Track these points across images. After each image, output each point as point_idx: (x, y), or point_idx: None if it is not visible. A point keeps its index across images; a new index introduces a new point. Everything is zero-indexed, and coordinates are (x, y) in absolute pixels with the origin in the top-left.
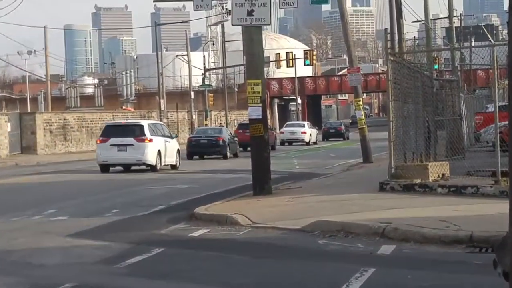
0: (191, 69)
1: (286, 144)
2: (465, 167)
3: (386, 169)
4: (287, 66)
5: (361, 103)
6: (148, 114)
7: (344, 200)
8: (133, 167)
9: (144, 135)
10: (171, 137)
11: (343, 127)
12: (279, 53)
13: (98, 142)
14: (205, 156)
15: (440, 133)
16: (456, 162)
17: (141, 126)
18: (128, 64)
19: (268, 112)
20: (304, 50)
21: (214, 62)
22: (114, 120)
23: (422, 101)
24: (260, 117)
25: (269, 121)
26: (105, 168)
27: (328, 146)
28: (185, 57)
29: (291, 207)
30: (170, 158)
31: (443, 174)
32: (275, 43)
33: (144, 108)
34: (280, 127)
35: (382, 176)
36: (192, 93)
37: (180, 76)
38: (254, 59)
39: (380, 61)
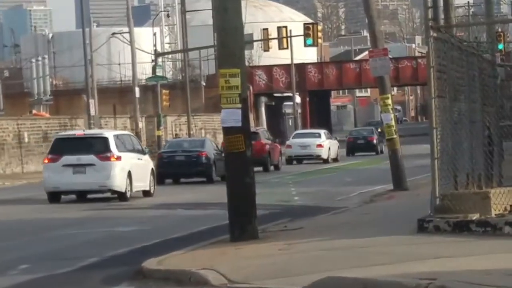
0: (135, 53)
1: (295, 162)
2: None
3: (427, 200)
4: (280, 48)
5: (389, 101)
6: (70, 121)
7: (366, 246)
8: (91, 195)
9: (110, 151)
10: (143, 153)
11: (375, 136)
12: (267, 29)
13: (46, 161)
14: (182, 179)
15: (508, 144)
16: None
17: (105, 139)
18: (40, 47)
19: (251, 116)
20: (304, 24)
21: (170, 43)
22: (19, 131)
23: (481, 98)
24: (240, 124)
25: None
26: (55, 197)
27: (343, 166)
28: (126, 35)
29: (286, 258)
30: (143, 182)
31: None
32: (261, 14)
33: (65, 112)
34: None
35: (422, 210)
36: (137, 89)
37: (119, 64)
38: (229, 37)
39: (418, 39)
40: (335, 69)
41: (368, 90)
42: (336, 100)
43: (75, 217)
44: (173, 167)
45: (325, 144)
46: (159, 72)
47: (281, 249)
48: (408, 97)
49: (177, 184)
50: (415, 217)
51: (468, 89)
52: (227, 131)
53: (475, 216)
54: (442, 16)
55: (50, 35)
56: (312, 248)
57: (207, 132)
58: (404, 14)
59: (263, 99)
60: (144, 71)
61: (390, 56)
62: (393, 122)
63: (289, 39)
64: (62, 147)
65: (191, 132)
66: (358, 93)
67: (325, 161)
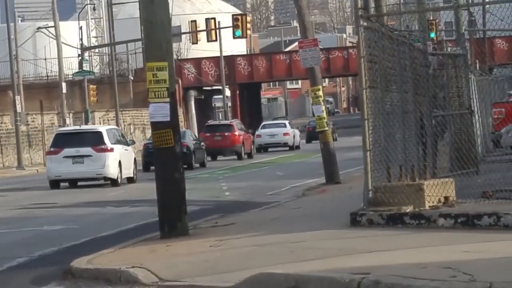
0: (61, 48)
1: (261, 150)
2: (479, 186)
3: (360, 193)
4: (209, 41)
5: (321, 93)
6: None
7: (298, 241)
8: (81, 183)
9: (104, 143)
10: (128, 144)
11: (331, 125)
12: (195, 21)
13: (48, 153)
14: None
15: (441, 135)
16: (465, 178)
17: (100, 133)
18: None
19: (180, 110)
20: (233, 15)
21: (96, 37)
22: None
23: (413, 88)
24: (168, 118)
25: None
26: (56, 184)
27: (274, 160)
28: (52, 29)
29: (218, 254)
30: (128, 170)
31: (446, 198)
32: (189, 5)
33: None
34: (199, 131)
35: (355, 203)
36: (64, 85)
37: (45, 59)
38: (156, 30)
39: (349, 28)
40: (265, 61)
41: (299, 82)
42: (267, 93)
43: (2, 217)
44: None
45: (291, 133)
46: (86, 67)
47: (212, 246)
48: (340, 88)
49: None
50: (348, 210)
51: (400, 79)
52: (156, 126)
53: (408, 209)
54: (372, 5)
55: None
56: (244, 244)
57: (136, 127)
58: (335, 4)
59: (193, 93)
60: (71, 66)
61: (321, 47)
62: (324, 114)
63: (217, 31)
64: (62, 140)
65: (120, 128)
66: (289, 85)
67: (291, 148)
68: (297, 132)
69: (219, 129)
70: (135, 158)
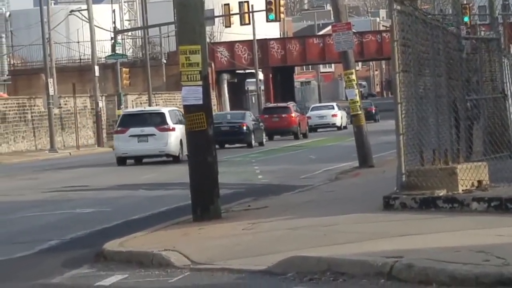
0: (94, 31)
1: (311, 131)
2: None
3: (393, 177)
4: (242, 24)
5: (354, 77)
6: (29, 101)
7: (331, 225)
8: (146, 159)
9: (166, 123)
10: (182, 123)
11: (373, 107)
12: (228, 4)
13: (116, 133)
14: (226, 145)
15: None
16: (499, 162)
17: (163, 114)
18: None
19: (213, 94)
20: None
21: (129, 20)
22: None
23: (446, 72)
24: (201, 102)
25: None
26: (122, 161)
27: (308, 144)
28: (85, 12)
29: (250, 237)
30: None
31: (479, 182)
32: None
33: (24, 92)
34: None
35: (388, 186)
36: (96, 68)
37: (78, 42)
38: (189, 13)
39: (382, 12)
40: (298, 45)
41: (332, 65)
42: (300, 76)
43: (35, 199)
44: (219, 136)
45: (338, 114)
46: (118, 50)
47: (244, 229)
48: (373, 72)
49: (223, 149)
50: (381, 194)
51: (433, 63)
52: (188, 109)
53: (442, 193)
54: None
55: (8, 14)
56: (276, 227)
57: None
58: None
59: (225, 76)
60: (104, 49)
61: (354, 31)
62: (357, 98)
63: (250, 14)
64: (128, 121)
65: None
66: (322, 68)
67: (339, 128)
68: (344, 113)
69: (276, 111)
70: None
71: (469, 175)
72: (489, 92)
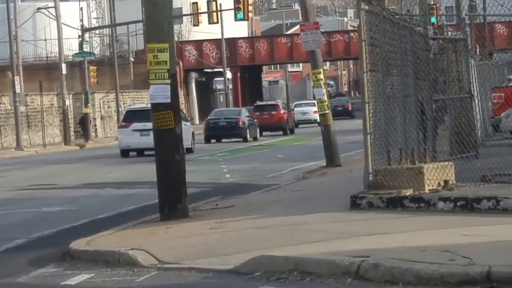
0: (61, 29)
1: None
2: (478, 170)
3: (361, 176)
4: (210, 23)
5: (322, 76)
6: None
7: (298, 224)
8: (148, 152)
9: None
10: (187, 120)
11: (350, 104)
12: (196, 3)
13: (120, 127)
14: (223, 140)
15: (441, 119)
16: (465, 162)
17: None
18: None
19: (181, 92)
20: None
21: (97, 18)
22: None
23: (413, 72)
24: (169, 100)
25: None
26: (126, 153)
27: (274, 143)
28: (52, 10)
29: (218, 236)
30: (187, 141)
31: (446, 181)
32: None
33: None
34: (201, 114)
35: (355, 186)
36: (64, 66)
37: (45, 40)
38: (157, 11)
39: (350, 12)
40: (266, 44)
41: (300, 65)
42: (268, 76)
43: (0, 198)
44: (217, 130)
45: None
46: (86, 48)
47: (212, 228)
48: (341, 71)
49: (220, 143)
50: (348, 193)
51: (400, 62)
52: (156, 107)
53: (408, 192)
54: None
55: None
56: (243, 226)
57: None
58: None
59: (194, 75)
60: (71, 47)
61: (322, 30)
62: (325, 97)
63: (219, 13)
64: (131, 116)
65: (120, 109)
66: (290, 68)
67: (320, 124)
68: None
69: (266, 108)
70: (193, 132)
71: (436, 174)
72: (455, 92)
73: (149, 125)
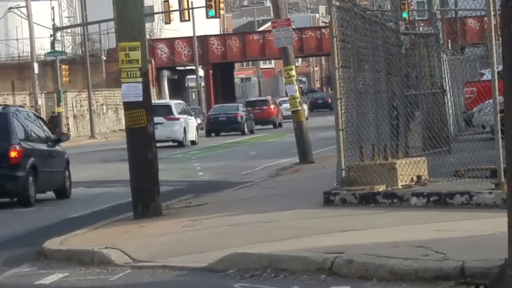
0: (33, 28)
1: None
2: (451, 165)
3: (333, 172)
4: (182, 21)
5: (294, 73)
6: None
7: (272, 221)
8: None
9: (172, 114)
10: (191, 115)
11: (330, 97)
12: (167, 1)
13: None
14: (222, 133)
15: (417, 114)
16: (438, 157)
17: (169, 106)
18: None
19: (153, 90)
20: None
21: (69, 17)
22: None
23: (385, 68)
24: (141, 98)
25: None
26: None
27: (247, 140)
28: (23, 9)
29: (191, 234)
30: (192, 134)
31: (418, 177)
32: None
33: None
34: None
35: (328, 182)
36: (36, 65)
37: (17, 39)
38: (129, 9)
39: (322, 8)
40: (238, 41)
41: (273, 61)
42: (240, 73)
43: None
44: (217, 125)
45: (304, 107)
46: (58, 47)
47: (185, 226)
48: (313, 68)
49: (219, 136)
50: (321, 190)
51: (372, 58)
52: (128, 106)
53: (381, 188)
54: None
55: None
56: (217, 224)
57: (109, 107)
58: None
59: (166, 73)
60: (43, 46)
61: (294, 27)
62: (297, 94)
63: (190, 11)
64: None
65: (92, 108)
66: (262, 65)
67: (306, 118)
68: (305, 106)
69: (257, 104)
70: (197, 126)
71: (409, 170)
72: (428, 87)
73: (156, 119)
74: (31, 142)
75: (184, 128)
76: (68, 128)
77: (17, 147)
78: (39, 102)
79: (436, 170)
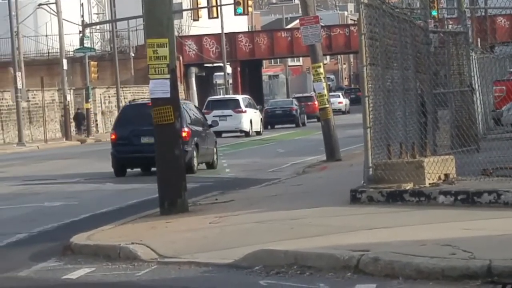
0: (62, 24)
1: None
2: (479, 163)
3: (361, 170)
4: (210, 18)
5: (322, 70)
6: None
7: (298, 218)
8: (225, 134)
9: (240, 107)
10: (256, 109)
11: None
12: None
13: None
14: (276, 126)
15: (442, 113)
16: (466, 156)
17: (237, 100)
18: None
19: (181, 87)
20: None
21: (98, 14)
22: None
23: (414, 65)
24: (168, 95)
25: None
26: None
27: (275, 138)
28: (53, 6)
29: (217, 231)
30: (256, 125)
31: (446, 175)
32: None
33: None
34: (201, 108)
35: (355, 180)
36: (65, 61)
37: (46, 36)
38: (157, 6)
39: (350, 6)
40: (266, 38)
41: (301, 59)
42: (268, 70)
43: (2, 193)
44: (274, 118)
45: (343, 102)
46: (87, 44)
47: (212, 222)
48: (341, 65)
49: (274, 129)
50: (348, 188)
51: (400, 56)
52: (156, 102)
53: (408, 186)
54: None
55: None
56: (243, 220)
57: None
58: None
59: (194, 70)
60: (72, 42)
61: (322, 24)
62: (325, 91)
63: (219, 7)
64: (212, 105)
65: (120, 104)
66: (290, 62)
67: (343, 112)
68: (347, 101)
69: (302, 100)
70: (261, 118)
71: (436, 168)
72: (456, 85)
73: (226, 112)
74: (194, 126)
75: (250, 120)
76: (97, 124)
77: (186, 129)
78: (68, 98)
79: (464, 169)
